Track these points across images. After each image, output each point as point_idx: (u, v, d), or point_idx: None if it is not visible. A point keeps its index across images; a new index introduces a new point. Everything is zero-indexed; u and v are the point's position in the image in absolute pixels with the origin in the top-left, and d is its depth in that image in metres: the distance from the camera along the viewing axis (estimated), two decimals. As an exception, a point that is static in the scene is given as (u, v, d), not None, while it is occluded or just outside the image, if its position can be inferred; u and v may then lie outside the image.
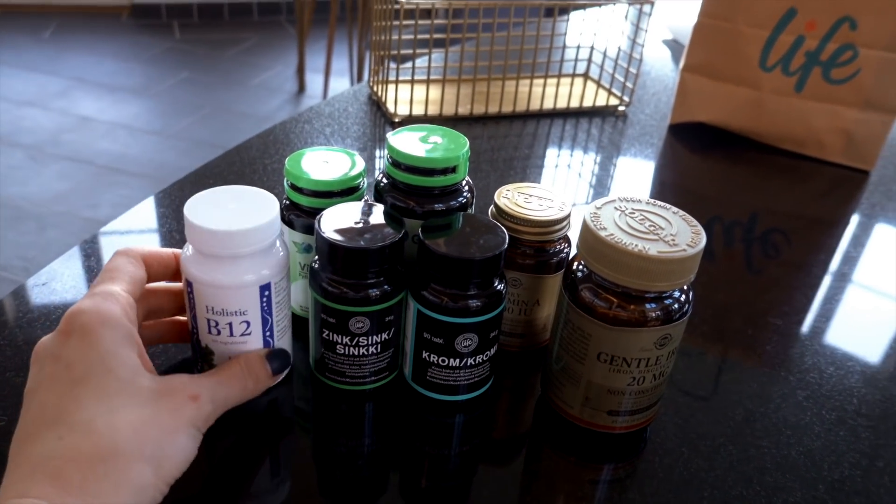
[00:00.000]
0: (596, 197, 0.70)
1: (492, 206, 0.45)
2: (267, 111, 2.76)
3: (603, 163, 0.78)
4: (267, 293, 0.40)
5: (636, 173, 0.77)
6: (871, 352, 0.52)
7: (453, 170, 0.43)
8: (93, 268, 0.54)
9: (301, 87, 2.97)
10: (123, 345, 0.34)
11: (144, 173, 2.30)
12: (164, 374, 0.37)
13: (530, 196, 0.45)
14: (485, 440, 0.43)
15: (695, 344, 0.51)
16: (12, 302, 0.50)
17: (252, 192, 0.40)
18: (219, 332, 0.40)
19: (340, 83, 2.97)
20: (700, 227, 0.38)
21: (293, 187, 0.44)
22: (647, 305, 0.38)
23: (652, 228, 0.38)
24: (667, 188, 0.76)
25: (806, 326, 0.55)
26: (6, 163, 2.28)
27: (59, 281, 0.52)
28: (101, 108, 2.68)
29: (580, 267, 0.40)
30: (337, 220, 0.41)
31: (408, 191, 0.44)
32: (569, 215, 0.45)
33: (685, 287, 0.39)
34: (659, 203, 0.40)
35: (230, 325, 0.40)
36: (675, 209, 0.40)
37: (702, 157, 0.81)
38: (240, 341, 0.40)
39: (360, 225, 0.41)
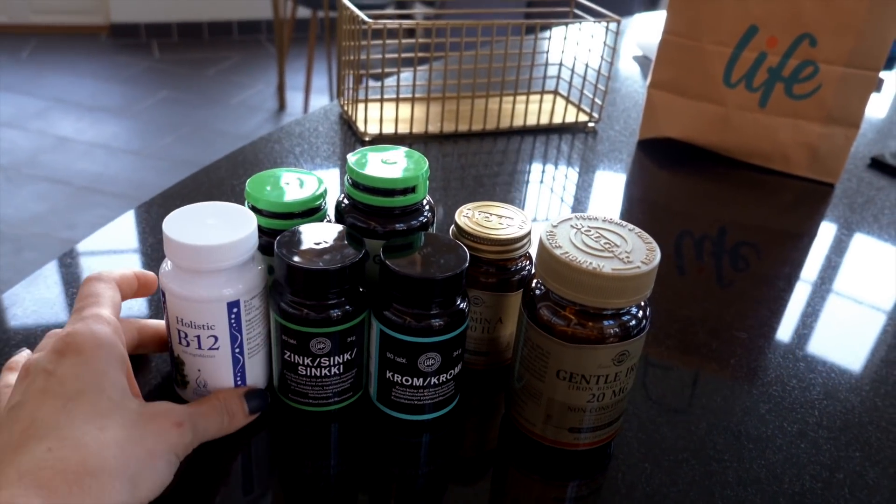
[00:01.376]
0: (566, 213, 0.70)
1: (452, 226, 0.45)
2: (247, 130, 2.76)
3: (573, 179, 0.78)
4: (236, 310, 0.40)
5: (606, 189, 0.77)
6: (834, 364, 0.53)
7: (413, 189, 0.44)
8: (54, 295, 0.54)
9: (281, 106, 2.98)
10: (115, 367, 0.36)
11: (123, 193, 2.29)
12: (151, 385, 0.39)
13: (490, 215, 0.46)
14: (451, 459, 0.43)
15: (660, 358, 0.52)
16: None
17: (231, 209, 0.41)
18: (188, 344, 0.41)
19: (321, 100, 2.98)
20: (655, 245, 0.39)
21: (253, 209, 0.44)
22: (605, 322, 0.38)
23: (607, 246, 0.38)
24: (636, 203, 0.76)
25: (768, 340, 0.55)
26: (-18, 184, 2.26)
27: (20, 306, 0.51)
28: (80, 128, 2.67)
29: (538, 285, 0.40)
30: (297, 241, 0.41)
31: (368, 211, 0.44)
32: (529, 233, 0.45)
33: (642, 303, 0.39)
34: (615, 220, 0.41)
35: (198, 337, 0.40)
36: (630, 226, 0.40)
37: (670, 172, 0.82)
38: (207, 354, 0.41)
39: (320, 246, 0.41)
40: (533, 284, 0.41)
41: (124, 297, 0.42)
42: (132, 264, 0.58)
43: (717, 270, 0.64)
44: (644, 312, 0.39)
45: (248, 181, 0.45)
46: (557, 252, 0.37)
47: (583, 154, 0.83)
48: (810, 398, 0.49)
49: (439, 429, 0.44)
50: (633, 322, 0.39)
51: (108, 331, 0.37)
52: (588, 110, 0.89)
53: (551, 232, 0.39)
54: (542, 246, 0.39)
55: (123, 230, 0.62)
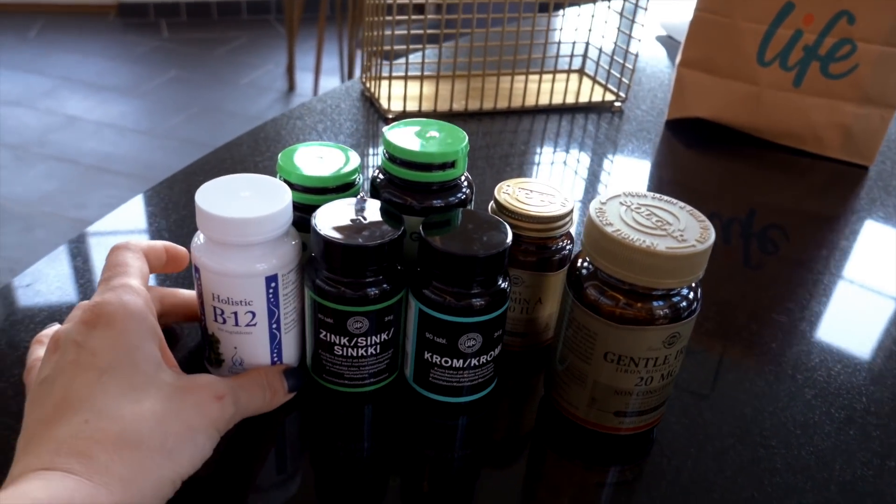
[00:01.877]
0: (592, 193, 0.69)
1: (492, 202, 0.44)
2: (256, 110, 2.74)
3: (599, 159, 0.77)
4: (274, 284, 0.39)
5: (633, 169, 0.76)
6: (877, 350, 0.51)
7: (452, 164, 0.42)
8: (79, 268, 0.52)
9: (291, 86, 2.95)
10: (147, 339, 0.35)
11: (132, 173, 2.28)
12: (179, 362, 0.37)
13: (531, 191, 0.44)
14: (488, 442, 0.42)
15: (699, 342, 0.50)
16: (-3, 304, 0.48)
17: (265, 181, 0.40)
18: (224, 321, 0.39)
19: (331, 81, 2.95)
20: (709, 223, 0.37)
21: (286, 183, 0.43)
22: (655, 303, 0.37)
23: (659, 224, 0.37)
24: (664, 184, 0.75)
25: (810, 323, 0.54)
26: (-9, 163, 2.25)
27: (43, 282, 0.50)
28: (89, 107, 2.66)
29: (585, 264, 0.39)
30: (333, 216, 0.39)
31: (405, 187, 0.43)
32: (571, 211, 0.43)
33: (693, 284, 0.38)
34: (665, 198, 0.39)
35: (235, 314, 0.39)
36: (682, 204, 0.39)
37: (699, 153, 0.80)
38: (245, 331, 0.40)
39: (358, 222, 0.39)
40: (579, 263, 0.39)
41: (152, 270, 0.41)
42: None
43: (745, 253, 0.63)
44: (695, 294, 0.38)
45: (280, 154, 0.43)
46: (608, 229, 0.36)
47: (609, 134, 0.81)
48: (856, 384, 0.48)
49: (477, 411, 0.43)
50: (684, 303, 0.37)
51: (140, 301, 0.35)
52: (615, 89, 0.87)
53: (600, 209, 0.38)
54: (591, 223, 0.37)
55: (137, 211, 0.60)
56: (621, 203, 0.38)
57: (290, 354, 0.42)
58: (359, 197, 0.42)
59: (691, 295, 0.38)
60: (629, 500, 0.39)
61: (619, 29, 0.84)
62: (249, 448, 0.40)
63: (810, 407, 0.45)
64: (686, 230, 0.37)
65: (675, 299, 0.37)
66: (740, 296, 0.56)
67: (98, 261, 0.53)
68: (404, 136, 0.43)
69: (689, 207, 0.39)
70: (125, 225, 0.59)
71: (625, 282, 0.37)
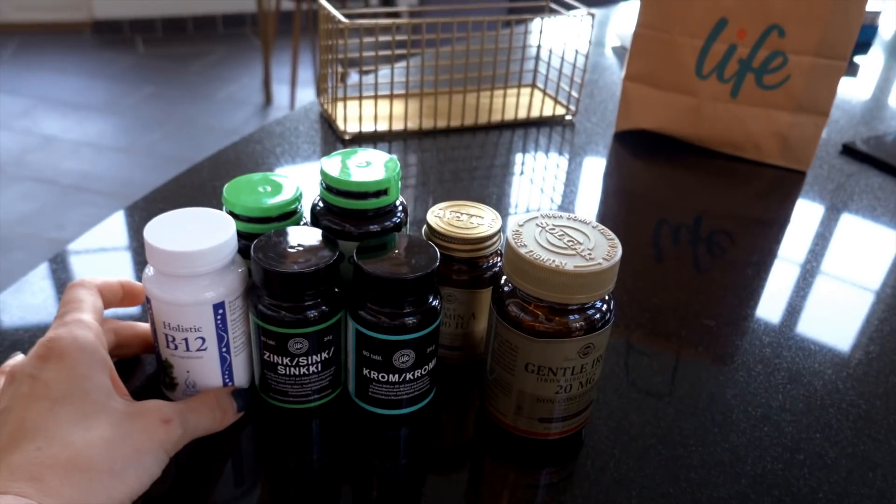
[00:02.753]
0: (544, 206, 0.72)
1: (424, 226, 0.47)
2: (234, 124, 2.76)
3: (551, 171, 0.80)
4: (221, 311, 0.42)
5: (584, 180, 0.79)
6: (799, 348, 0.55)
7: (385, 192, 0.45)
8: (59, 294, 0.55)
9: (268, 99, 2.98)
10: (97, 370, 0.37)
11: (111, 191, 2.29)
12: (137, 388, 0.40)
13: (461, 213, 0.47)
14: (429, 451, 0.45)
15: (630, 347, 0.53)
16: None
17: (210, 215, 0.43)
18: (176, 347, 0.42)
19: (307, 93, 2.98)
20: (617, 241, 0.41)
21: (231, 213, 0.45)
22: (571, 317, 0.40)
23: (570, 244, 0.40)
24: (614, 194, 0.78)
25: (737, 326, 0.57)
26: (-31, 186, 2.26)
27: (6, 311, 0.53)
28: (66, 126, 2.67)
29: (506, 283, 0.42)
30: (272, 244, 0.42)
31: (343, 214, 0.45)
32: (498, 231, 0.46)
33: (606, 297, 0.41)
34: (579, 218, 0.42)
35: (186, 340, 0.42)
36: (594, 223, 0.42)
37: (647, 163, 0.84)
38: (196, 356, 0.43)
39: (295, 249, 0.42)
40: (501, 282, 0.42)
41: (108, 305, 0.44)
42: (121, 265, 0.60)
43: (694, 258, 0.66)
44: (608, 306, 0.41)
45: (225, 187, 0.46)
46: (522, 251, 0.39)
47: (560, 146, 0.85)
48: (775, 382, 0.51)
49: (417, 422, 0.46)
50: (598, 315, 0.40)
51: (90, 335, 0.38)
52: (565, 103, 0.90)
53: (517, 231, 0.41)
54: (508, 245, 0.40)
55: (111, 231, 0.63)
56: (537, 224, 0.41)
57: (240, 376, 0.45)
58: (300, 225, 0.45)
59: (605, 307, 0.41)
60: (555, 500, 0.42)
61: (567, 44, 0.88)
62: (203, 465, 0.42)
63: (729, 406, 0.48)
64: (595, 248, 0.40)
65: (590, 312, 0.40)
66: (674, 301, 0.59)
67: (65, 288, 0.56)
68: (339, 167, 0.46)
69: (600, 227, 0.42)
70: (104, 242, 0.61)
71: (541, 299, 0.40)
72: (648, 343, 0.54)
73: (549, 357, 0.40)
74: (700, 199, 0.77)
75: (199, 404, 0.42)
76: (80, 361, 0.37)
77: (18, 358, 0.44)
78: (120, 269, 0.60)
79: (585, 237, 0.41)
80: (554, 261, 0.38)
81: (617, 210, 0.75)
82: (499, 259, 0.47)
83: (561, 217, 0.42)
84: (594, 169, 0.81)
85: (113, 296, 0.45)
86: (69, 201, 2.23)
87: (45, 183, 2.31)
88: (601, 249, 0.40)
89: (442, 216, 0.47)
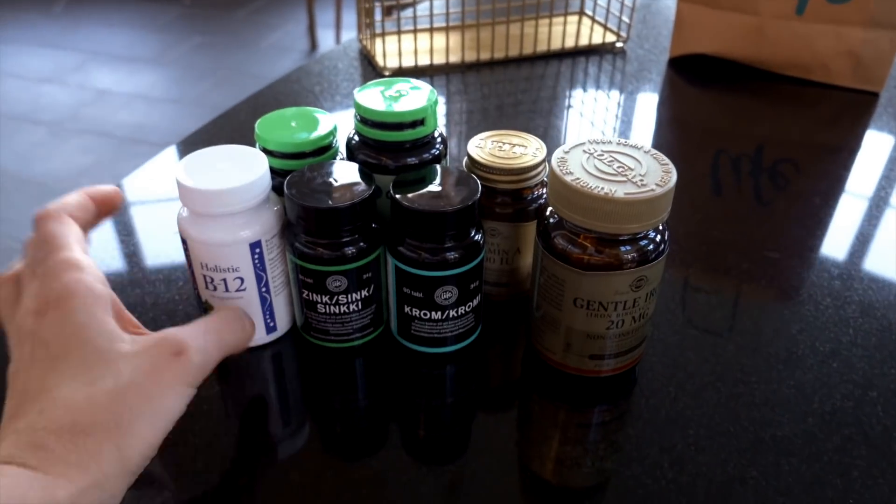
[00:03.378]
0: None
1: (465, 157, 0.44)
2: (280, 72, 2.74)
3: (601, 102, 0.76)
4: (258, 250, 0.41)
5: (636, 111, 0.75)
6: (872, 280, 0.51)
7: (422, 122, 0.43)
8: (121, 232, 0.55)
9: (313, 45, 2.95)
10: (96, 312, 0.33)
11: (166, 142, 2.32)
12: None
13: (504, 143, 0.44)
14: (475, 390, 0.44)
15: (688, 281, 0.51)
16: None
17: (243, 152, 0.41)
18: (215, 289, 0.42)
19: (352, 36, 2.94)
20: (671, 166, 0.38)
21: (265, 150, 0.44)
22: (622, 248, 0.37)
23: (620, 170, 0.37)
24: (668, 124, 0.74)
25: (804, 258, 0.53)
26: (28, 140, 2.32)
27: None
28: (118, 79, 2.70)
29: (552, 214, 0.39)
30: (306, 180, 0.41)
31: (378, 147, 0.43)
32: (543, 160, 0.44)
33: (660, 227, 0.38)
34: (630, 143, 0.39)
35: (224, 281, 0.41)
36: (646, 148, 0.39)
37: (704, 90, 0.79)
38: (235, 297, 0.42)
39: (331, 184, 0.40)
40: (547, 213, 0.40)
41: (86, 227, 0.39)
42: (167, 210, 0.59)
43: (755, 189, 0.62)
44: (662, 236, 0.38)
45: (257, 123, 0.44)
46: (568, 179, 0.36)
47: (611, 76, 0.80)
48: (845, 316, 0.48)
49: (462, 360, 0.44)
50: (651, 246, 0.38)
51: (81, 276, 0.34)
52: (616, 29, 0.85)
53: (562, 158, 0.38)
54: (552, 173, 0.38)
55: (154, 178, 0.63)
56: (584, 151, 0.39)
57: (281, 316, 0.44)
58: (336, 159, 0.43)
59: (658, 238, 0.38)
60: (609, 440, 0.40)
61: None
62: (248, 406, 0.42)
63: (795, 342, 0.46)
64: (647, 174, 0.37)
65: (643, 243, 0.38)
66: (734, 234, 0.56)
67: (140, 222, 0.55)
68: (374, 98, 0.43)
69: (653, 151, 0.39)
70: (151, 189, 0.62)
71: (590, 230, 0.37)
72: (706, 278, 0.52)
73: (599, 291, 0.38)
74: (762, 128, 0.72)
75: (219, 321, 0.37)
76: (75, 309, 0.33)
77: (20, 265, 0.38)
78: (172, 214, 0.59)
79: (637, 163, 0.38)
80: (603, 188, 0.36)
81: (672, 141, 0.71)
82: (544, 190, 0.45)
83: (610, 142, 0.39)
84: (647, 99, 0.77)
85: (87, 213, 0.39)
86: (125, 153, 2.27)
87: (102, 136, 2.35)
88: (654, 175, 0.37)
89: (483, 146, 0.44)
